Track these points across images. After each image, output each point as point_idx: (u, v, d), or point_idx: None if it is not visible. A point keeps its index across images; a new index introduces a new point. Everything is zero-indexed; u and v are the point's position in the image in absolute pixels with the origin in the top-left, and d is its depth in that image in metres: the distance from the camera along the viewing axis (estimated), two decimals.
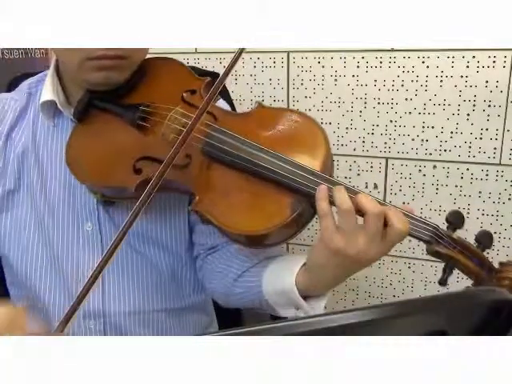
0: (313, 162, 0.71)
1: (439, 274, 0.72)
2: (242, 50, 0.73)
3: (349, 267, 0.69)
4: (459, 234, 0.71)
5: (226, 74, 0.73)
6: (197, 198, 0.74)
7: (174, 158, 0.69)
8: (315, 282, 0.72)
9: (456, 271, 0.71)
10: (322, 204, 0.67)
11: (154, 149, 0.77)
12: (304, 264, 0.74)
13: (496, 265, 0.73)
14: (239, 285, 0.82)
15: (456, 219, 0.72)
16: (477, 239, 0.73)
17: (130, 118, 0.80)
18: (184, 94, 0.81)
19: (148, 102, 0.81)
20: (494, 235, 1.31)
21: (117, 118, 0.82)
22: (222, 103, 0.89)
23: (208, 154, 0.75)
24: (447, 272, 0.71)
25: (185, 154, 0.75)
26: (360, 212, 0.67)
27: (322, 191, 0.68)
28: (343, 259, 0.66)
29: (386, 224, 0.66)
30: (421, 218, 0.70)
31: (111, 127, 0.82)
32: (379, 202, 0.67)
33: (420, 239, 0.70)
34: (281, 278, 0.75)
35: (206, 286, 0.91)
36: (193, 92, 0.81)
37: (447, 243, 0.70)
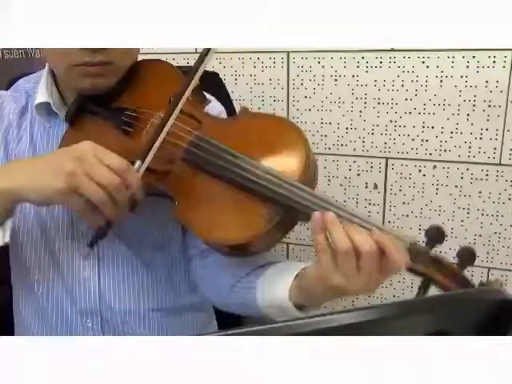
0: (292, 171, 0.71)
1: None
2: (208, 50, 0.73)
3: (344, 295, 0.67)
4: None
5: (193, 75, 0.73)
6: (176, 204, 0.74)
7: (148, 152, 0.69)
8: (307, 299, 0.71)
9: None
10: (319, 238, 0.63)
11: (137, 154, 0.75)
12: (297, 275, 0.72)
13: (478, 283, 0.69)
14: (235, 295, 0.82)
15: (435, 235, 0.68)
16: (458, 256, 0.68)
17: (116, 122, 0.80)
18: (172, 98, 0.79)
19: (135, 106, 0.81)
20: (494, 235, 1.33)
21: (105, 122, 0.81)
22: (212, 107, 0.88)
23: (189, 161, 0.75)
24: (422, 290, 0.67)
25: (166, 161, 0.75)
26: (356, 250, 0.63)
27: (316, 223, 0.64)
28: (340, 292, 0.65)
29: (382, 253, 0.63)
30: (395, 232, 0.67)
31: (100, 131, 0.81)
32: (372, 226, 0.64)
33: None
34: (275, 292, 0.74)
35: (201, 290, 0.92)
36: None
37: (423, 260, 0.66)
